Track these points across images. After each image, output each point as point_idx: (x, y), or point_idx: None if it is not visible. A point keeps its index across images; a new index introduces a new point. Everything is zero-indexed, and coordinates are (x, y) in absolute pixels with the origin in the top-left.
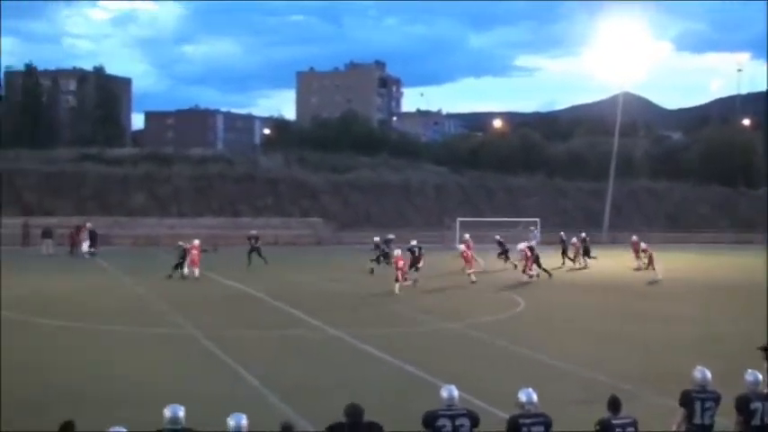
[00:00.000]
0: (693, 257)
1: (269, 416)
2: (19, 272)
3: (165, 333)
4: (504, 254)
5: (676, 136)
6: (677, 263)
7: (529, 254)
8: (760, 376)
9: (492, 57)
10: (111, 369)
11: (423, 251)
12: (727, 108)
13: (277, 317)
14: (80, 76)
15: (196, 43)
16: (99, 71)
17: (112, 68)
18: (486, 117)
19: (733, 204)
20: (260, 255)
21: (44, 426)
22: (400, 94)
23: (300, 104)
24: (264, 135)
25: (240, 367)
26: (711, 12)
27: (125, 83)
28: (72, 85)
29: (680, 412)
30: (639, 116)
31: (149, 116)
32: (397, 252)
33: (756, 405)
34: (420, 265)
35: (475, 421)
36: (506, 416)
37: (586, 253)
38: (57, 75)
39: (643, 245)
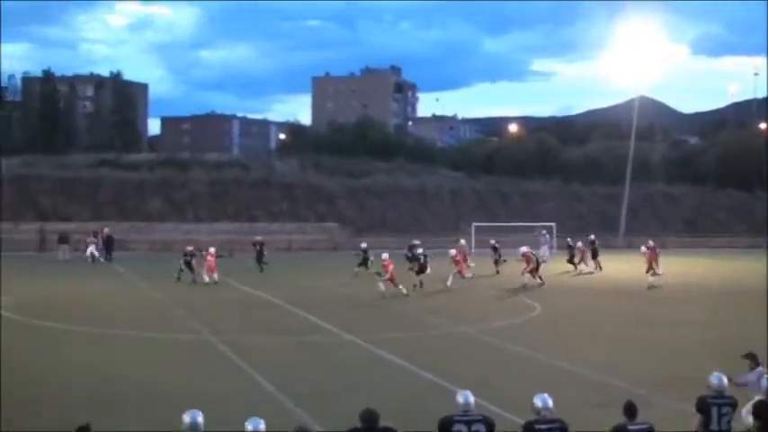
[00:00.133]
0: (709, 262)
1: (284, 421)
2: (35, 277)
3: (181, 338)
4: (498, 258)
5: (693, 140)
6: (693, 267)
7: (531, 258)
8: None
9: (508, 61)
10: (126, 373)
11: (428, 258)
12: (743, 112)
13: (292, 322)
14: (97, 81)
15: (212, 48)
16: (116, 77)
17: (129, 74)
18: (502, 122)
19: (750, 209)
20: (261, 260)
21: (64, 426)
22: (416, 99)
23: (316, 109)
24: (280, 140)
25: (255, 372)
26: (728, 14)
27: (141, 88)
28: (89, 91)
29: (696, 418)
30: (656, 120)
31: (165, 121)
32: (385, 256)
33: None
34: (428, 271)
35: (490, 427)
36: (522, 421)
37: (594, 256)
38: (74, 80)
39: (643, 248)
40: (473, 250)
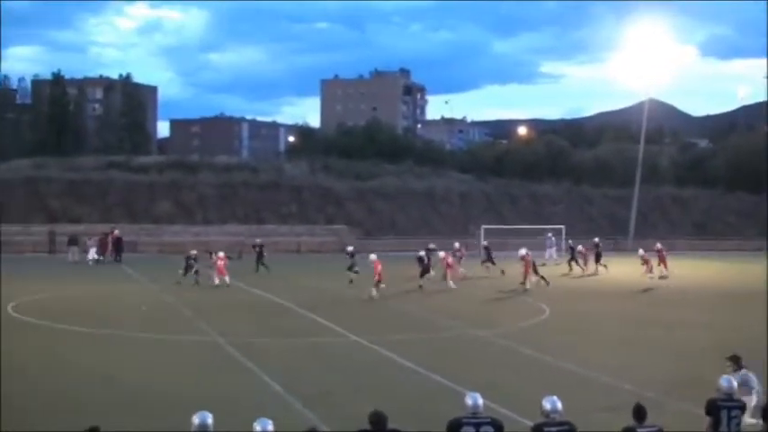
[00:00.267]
0: (718, 265)
1: (293, 422)
2: (45, 278)
3: (190, 340)
4: (490, 260)
5: (702, 143)
6: (702, 270)
7: (529, 261)
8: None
9: (517, 63)
10: (135, 374)
11: (431, 259)
12: (753, 115)
13: (301, 324)
14: (106, 84)
15: (221, 51)
16: (126, 79)
17: (138, 77)
18: (512, 124)
19: (759, 212)
20: (258, 261)
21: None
22: (425, 102)
23: (325, 112)
24: (289, 143)
25: (264, 373)
26: (737, 16)
27: (151, 91)
28: (98, 94)
29: (706, 421)
30: (665, 123)
31: (175, 124)
32: (373, 257)
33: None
34: (432, 273)
35: (499, 429)
36: (531, 424)
37: (598, 259)
38: (83, 83)
39: (641, 251)
40: (481, 252)
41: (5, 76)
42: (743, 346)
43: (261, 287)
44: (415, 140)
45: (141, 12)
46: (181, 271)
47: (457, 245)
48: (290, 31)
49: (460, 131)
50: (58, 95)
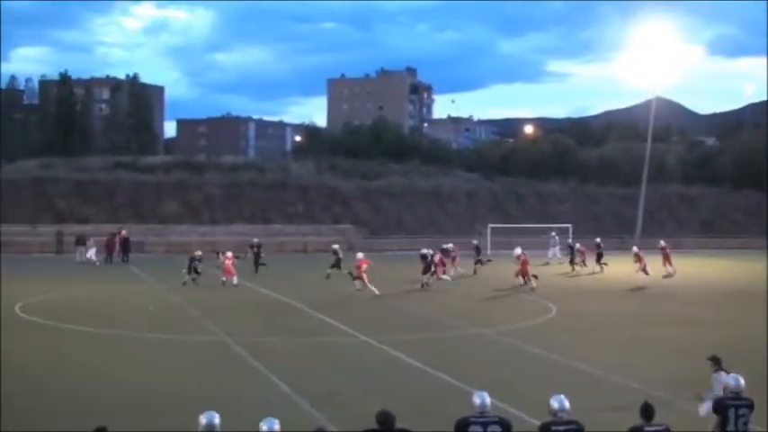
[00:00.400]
0: (725, 263)
1: (300, 422)
2: (52, 279)
3: (197, 340)
4: (479, 260)
5: (710, 141)
6: (709, 268)
7: (526, 260)
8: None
9: (523, 62)
10: (142, 374)
11: (433, 257)
12: (760, 113)
13: (308, 323)
14: (113, 84)
15: (227, 51)
16: (133, 80)
17: (145, 77)
18: (518, 123)
19: (767, 210)
20: (256, 262)
21: (81, 429)
22: (431, 101)
23: (331, 111)
24: (296, 142)
25: (271, 373)
26: (744, 15)
27: (157, 91)
28: (105, 94)
29: (713, 419)
30: (672, 121)
31: (181, 124)
32: (360, 255)
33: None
34: (432, 271)
35: (507, 428)
36: (538, 423)
37: (599, 259)
38: (90, 83)
39: (634, 248)
40: (488, 251)
41: (13, 77)
42: (748, 344)
43: (268, 286)
44: (421, 139)
45: (147, 12)
46: (184, 270)
47: (450, 245)
48: (297, 30)
49: (467, 130)
50: (65, 96)
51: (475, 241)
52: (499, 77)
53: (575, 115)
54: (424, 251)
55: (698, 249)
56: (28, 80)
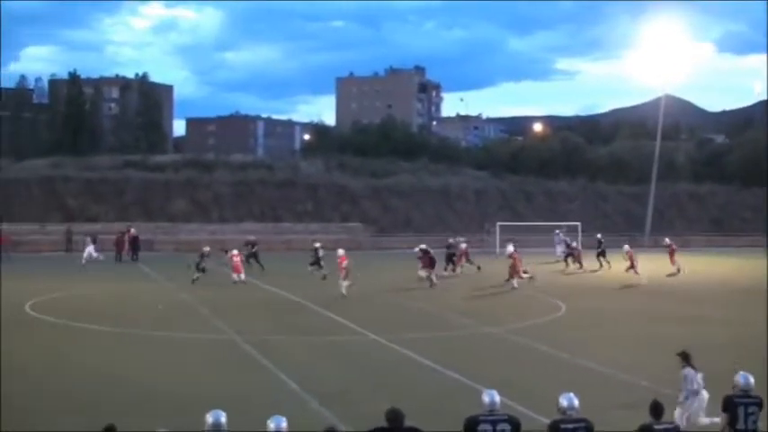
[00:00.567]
0: (734, 261)
1: (309, 421)
2: (62, 277)
3: (206, 338)
4: (468, 260)
5: (719, 139)
6: (718, 266)
7: (518, 258)
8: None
9: (532, 60)
10: (151, 372)
11: (434, 254)
12: None
13: (316, 321)
14: (123, 83)
15: (236, 50)
16: (142, 78)
17: (154, 76)
18: (527, 121)
19: None
20: (257, 260)
21: (91, 427)
22: (440, 99)
23: (340, 110)
24: (304, 141)
25: (280, 371)
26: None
27: (167, 90)
28: (114, 93)
29: (723, 417)
30: (681, 119)
31: (190, 123)
32: (341, 252)
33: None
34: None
35: (516, 426)
36: (548, 421)
37: (601, 255)
38: (100, 82)
39: (626, 247)
40: (497, 250)
41: (23, 76)
42: (757, 342)
43: (277, 285)
44: (430, 138)
45: (156, 11)
46: (192, 265)
47: (451, 240)
48: (306, 29)
49: (476, 128)
50: (74, 95)
51: (461, 239)
52: (508, 75)
53: (584, 113)
54: (423, 246)
55: (707, 247)
56: (37, 79)
